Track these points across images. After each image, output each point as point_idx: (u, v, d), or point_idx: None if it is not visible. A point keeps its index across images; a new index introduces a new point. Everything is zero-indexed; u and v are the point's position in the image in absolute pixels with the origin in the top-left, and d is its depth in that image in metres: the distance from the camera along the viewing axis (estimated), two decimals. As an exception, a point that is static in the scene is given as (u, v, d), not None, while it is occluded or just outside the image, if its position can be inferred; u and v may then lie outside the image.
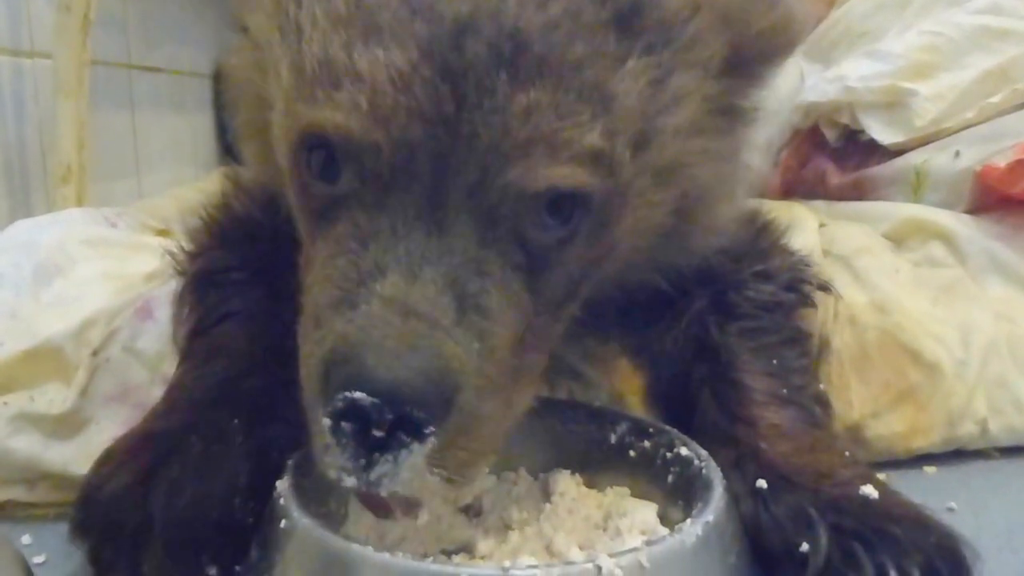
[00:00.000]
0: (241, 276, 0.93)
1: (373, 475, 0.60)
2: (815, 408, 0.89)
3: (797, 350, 0.94)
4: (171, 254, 1.02)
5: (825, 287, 1.05)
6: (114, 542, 0.72)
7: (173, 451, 0.76)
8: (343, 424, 0.59)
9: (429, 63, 0.62)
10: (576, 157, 0.65)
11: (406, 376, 0.59)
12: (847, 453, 0.84)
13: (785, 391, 0.88)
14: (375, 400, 0.58)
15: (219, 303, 0.92)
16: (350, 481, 0.62)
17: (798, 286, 1.01)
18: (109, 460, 0.77)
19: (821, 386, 0.94)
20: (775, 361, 0.91)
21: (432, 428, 0.59)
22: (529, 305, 0.68)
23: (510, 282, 0.66)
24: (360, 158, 0.64)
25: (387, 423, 0.58)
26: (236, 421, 0.79)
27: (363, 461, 0.60)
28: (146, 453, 0.76)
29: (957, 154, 1.42)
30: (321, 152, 0.67)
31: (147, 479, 0.73)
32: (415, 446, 0.59)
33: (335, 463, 0.62)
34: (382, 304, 0.61)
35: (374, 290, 0.62)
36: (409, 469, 0.60)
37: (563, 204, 0.67)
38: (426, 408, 0.59)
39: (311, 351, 0.65)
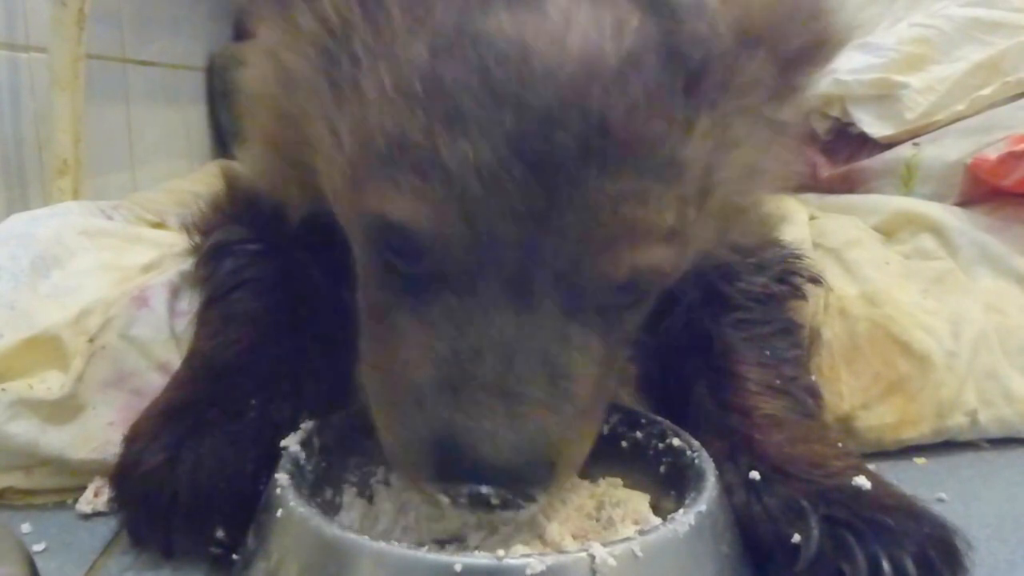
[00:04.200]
0: (256, 247, 0.95)
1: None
2: (807, 399, 0.90)
3: (788, 341, 0.95)
4: (186, 229, 1.04)
5: (816, 279, 1.06)
6: (148, 516, 0.77)
7: (195, 427, 0.79)
8: (460, 499, 0.65)
9: (519, 159, 0.60)
10: (656, 238, 0.65)
11: (520, 463, 0.63)
12: (839, 444, 0.84)
13: (778, 381, 0.88)
14: (497, 489, 0.63)
15: (235, 271, 0.94)
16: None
17: (789, 278, 1.02)
18: (138, 437, 0.80)
19: (812, 377, 0.95)
20: (767, 352, 0.92)
21: (542, 492, 0.67)
22: (607, 355, 0.70)
23: (591, 345, 0.68)
24: (448, 249, 0.64)
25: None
26: (251, 395, 0.82)
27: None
28: (172, 431, 0.79)
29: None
30: (402, 234, 0.65)
31: (173, 456, 0.77)
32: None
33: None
34: (484, 390, 0.63)
35: (475, 375, 0.63)
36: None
37: (642, 277, 0.68)
38: (537, 482, 0.66)
39: (415, 429, 0.67)
